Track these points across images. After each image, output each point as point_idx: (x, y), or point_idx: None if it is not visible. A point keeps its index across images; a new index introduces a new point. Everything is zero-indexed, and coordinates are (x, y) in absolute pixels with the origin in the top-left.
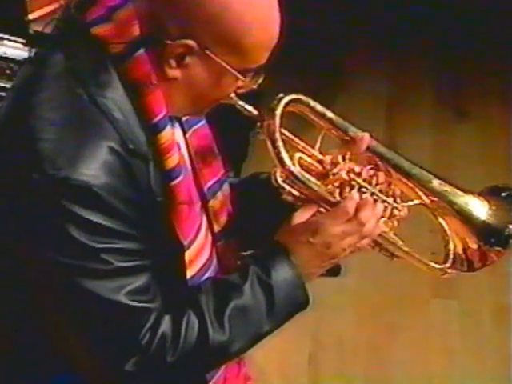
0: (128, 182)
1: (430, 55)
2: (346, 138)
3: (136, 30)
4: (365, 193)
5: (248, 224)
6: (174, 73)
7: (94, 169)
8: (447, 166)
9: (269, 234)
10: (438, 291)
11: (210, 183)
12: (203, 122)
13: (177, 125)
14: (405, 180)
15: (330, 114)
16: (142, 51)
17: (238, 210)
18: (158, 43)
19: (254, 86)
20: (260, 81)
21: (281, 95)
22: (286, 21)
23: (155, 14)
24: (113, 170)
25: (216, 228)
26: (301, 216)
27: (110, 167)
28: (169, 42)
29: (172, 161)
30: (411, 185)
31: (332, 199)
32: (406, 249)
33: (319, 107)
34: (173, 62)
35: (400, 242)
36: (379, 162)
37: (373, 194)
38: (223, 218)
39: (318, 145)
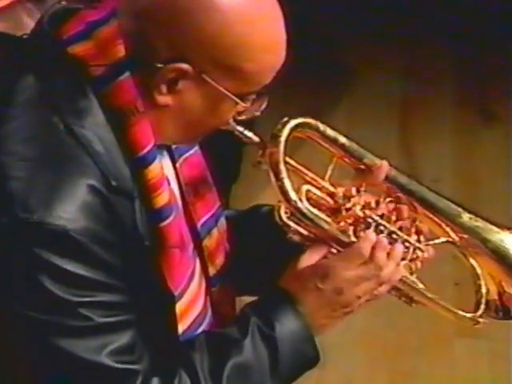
0: (110, 224)
1: (451, 50)
2: (361, 166)
3: (120, 51)
4: (383, 231)
5: (247, 266)
6: (165, 99)
7: (71, 211)
8: (471, 177)
9: (272, 278)
10: (464, 329)
11: (203, 219)
12: (195, 148)
13: (165, 153)
14: (430, 215)
15: (342, 140)
16: (127, 75)
17: (235, 249)
18: (146, 66)
19: (258, 113)
20: (264, 106)
21: (286, 119)
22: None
23: (143, 32)
24: (93, 211)
25: (211, 271)
26: (309, 258)
27: (89, 208)
28: (159, 65)
29: (161, 199)
30: (437, 220)
31: (345, 239)
32: (430, 295)
33: (330, 132)
34: (163, 88)
35: (422, 287)
36: (400, 194)
37: (392, 232)
38: (219, 260)
39: (328, 174)
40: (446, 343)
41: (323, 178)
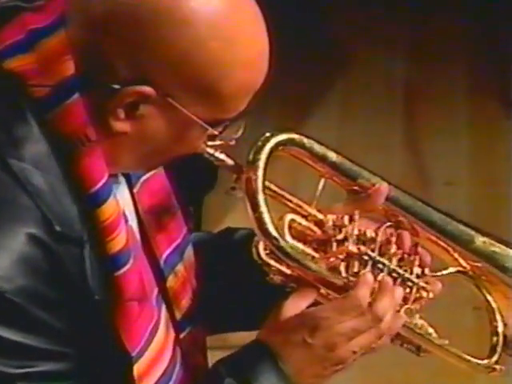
0: (53, 279)
1: (464, 25)
2: (355, 187)
3: (68, 68)
4: (382, 270)
5: (219, 306)
6: (122, 126)
7: (5, 268)
8: (490, 179)
9: (248, 314)
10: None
11: (166, 253)
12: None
13: (120, 178)
14: (437, 240)
15: (332, 157)
16: (75, 97)
17: (205, 284)
18: (100, 87)
19: (232, 142)
20: (240, 132)
21: (266, 134)
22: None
23: (97, 46)
24: (32, 266)
25: (177, 314)
26: (294, 305)
27: (28, 263)
28: (116, 86)
29: (117, 243)
30: (445, 246)
31: (336, 281)
32: (438, 341)
33: (317, 148)
34: (121, 113)
35: (429, 331)
36: (401, 218)
37: (392, 271)
38: (185, 300)
39: (316, 198)
40: (467, 380)
41: (310, 204)
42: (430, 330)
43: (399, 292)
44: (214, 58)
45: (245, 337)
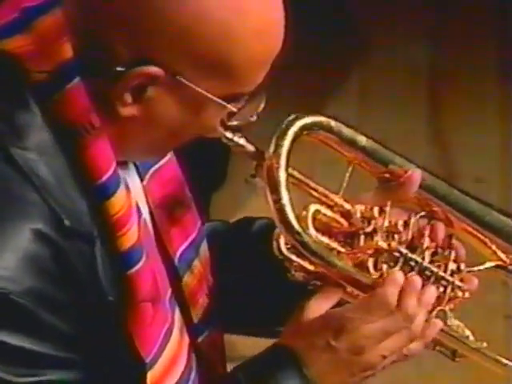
0: (62, 279)
1: (494, 7)
2: (386, 175)
3: (67, 50)
4: (413, 268)
5: (235, 303)
6: (130, 111)
7: (10, 268)
8: None
9: (269, 312)
10: None
11: (181, 249)
12: (169, 155)
13: (131, 167)
14: (474, 232)
15: (362, 141)
16: (76, 81)
17: (223, 281)
18: (102, 71)
19: (253, 118)
20: (261, 108)
21: (290, 118)
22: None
23: (97, 26)
24: (39, 265)
25: (194, 316)
26: (318, 306)
27: (34, 262)
28: (120, 69)
29: (128, 239)
30: (483, 238)
31: (363, 279)
32: (475, 344)
33: (346, 131)
34: (127, 97)
35: (466, 333)
36: (436, 208)
37: (425, 269)
38: (202, 299)
39: (343, 187)
40: None
41: (337, 193)
42: (467, 333)
43: (432, 291)
44: (222, 30)
45: (255, 346)
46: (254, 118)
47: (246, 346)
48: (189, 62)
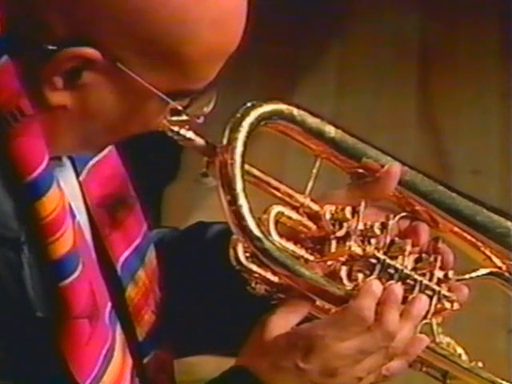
0: None
1: None
2: (360, 170)
3: None
4: (392, 276)
5: (188, 322)
6: (60, 98)
7: None
8: None
9: (226, 343)
10: None
11: (124, 256)
12: (108, 147)
13: (65, 162)
14: (464, 234)
15: (330, 132)
16: (3, 61)
17: (170, 294)
18: (32, 49)
19: (200, 120)
20: (210, 107)
21: (246, 106)
22: None
23: (28, 1)
24: None
25: (139, 334)
26: (283, 320)
27: None
28: (52, 47)
29: (62, 245)
30: (474, 240)
31: (335, 290)
32: (467, 364)
33: (311, 121)
34: (58, 81)
35: (457, 351)
36: (417, 207)
37: (406, 277)
38: (149, 315)
39: (309, 186)
40: None
41: (302, 192)
42: (459, 350)
43: (421, 301)
44: (177, 15)
45: (216, 368)
46: (201, 120)
47: (207, 367)
48: (133, 48)
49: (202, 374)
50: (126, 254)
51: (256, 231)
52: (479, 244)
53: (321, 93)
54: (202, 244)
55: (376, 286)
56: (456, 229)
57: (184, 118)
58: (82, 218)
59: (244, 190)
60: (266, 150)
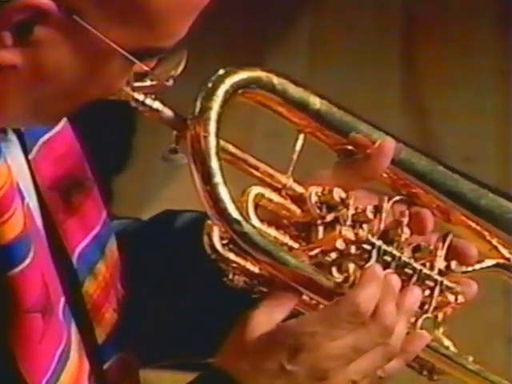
0: None
1: None
2: (348, 146)
3: None
4: (389, 264)
5: (156, 324)
6: (9, 56)
7: None
8: None
9: (200, 346)
10: None
11: (81, 246)
12: (61, 122)
13: (12, 138)
14: (466, 220)
15: (315, 103)
16: None
17: (134, 292)
18: None
19: (169, 83)
20: (180, 68)
21: (219, 73)
22: None
23: None
24: None
25: (99, 335)
26: (265, 317)
27: None
28: None
29: (10, 228)
30: (479, 228)
31: (324, 281)
32: (472, 366)
33: (293, 91)
34: (7, 37)
35: (453, 350)
36: (415, 189)
37: (405, 265)
38: (110, 314)
39: (292, 164)
40: None
41: (285, 172)
42: (447, 343)
43: (416, 293)
44: None
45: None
46: (170, 83)
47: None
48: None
49: None
50: (84, 244)
51: (234, 213)
52: (484, 232)
53: (290, 69)
54: (170, 234)
55: (375, 274)
56: (459, 215)
57: (149, 83)
58: (31, 201)
59: (220, 166)
60: (229, 132)
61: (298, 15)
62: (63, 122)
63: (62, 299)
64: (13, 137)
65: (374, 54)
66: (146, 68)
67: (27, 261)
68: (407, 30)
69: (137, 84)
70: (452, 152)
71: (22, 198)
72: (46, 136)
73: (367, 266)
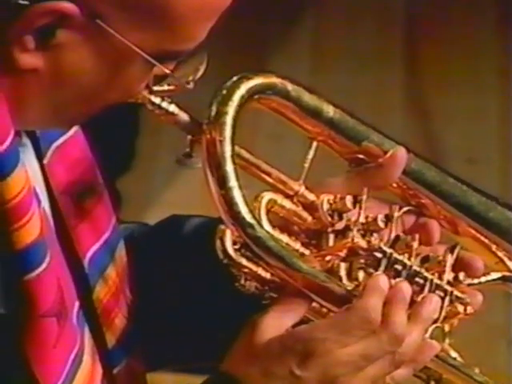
0: None
1: None
2: (360, 155)
3: None
4: (400, 273)
5: (165, 329)
6: (32, 60)
7: None
8: None
9: (209, 351)
10: None
11: (92, 250)
12: (74, 128)
13: (27, 143)
14: (474, 233)
15: (329, 111)
16: None
17: (143, 297)
18: (0, 6)
19: (189, 86)
20: (200, 72)
21: (234, 79)
22: None
23: None
24: None
25: (109, 340)
26: (275, 322)
27: None
28: (22, 2)
29: (28, 233)
30: (486, 241)
31: (335, 288)
32: (479, 377)
33: (308, 98)
34: (29, 41)
35: (459, 361)
36: (424, 200)
37: (416, 274)
38: (120, 319)
39: (305, 172)
40: None
41: (297, 179)
42: (453, 354)
43: (429, 305)
44: None
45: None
46: (191, 86)
47: None
48: (115, 2)
49: None
50: (95, 248)
51: (248, 217)
52: (491, 245)
53: (292, 72)
54: (178, 240)
55: (383, 282)
56: (465, 226)
57: (166, 87)
58: (44, 205)
59: (235, 170)
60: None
61: (299, 18)
62: (75, 126)
63: (77, 303)
64: (27, 141)
65: (376, 55)
66: (167, 71)
67: (44, 265)
68: (409, 31)
69: (156, 88)
70: (455, 154)
71: (39, 202)
72: (60, 140)
73: (373, 274)
